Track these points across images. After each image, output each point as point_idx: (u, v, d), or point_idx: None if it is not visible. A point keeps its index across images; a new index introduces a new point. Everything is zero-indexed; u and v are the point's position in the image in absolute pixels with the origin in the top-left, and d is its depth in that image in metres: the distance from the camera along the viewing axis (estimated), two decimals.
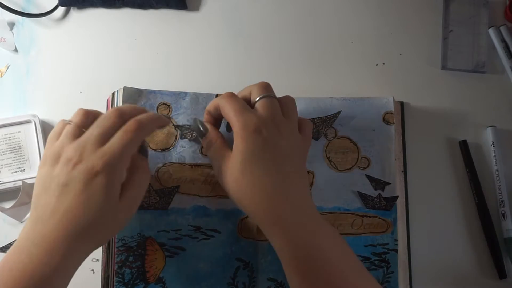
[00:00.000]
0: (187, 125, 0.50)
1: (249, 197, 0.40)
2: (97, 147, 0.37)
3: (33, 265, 0.35)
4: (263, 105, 0.42)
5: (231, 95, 0.43)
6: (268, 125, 0.41)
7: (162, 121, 0.43)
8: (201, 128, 0.45)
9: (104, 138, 0.38)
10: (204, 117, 0.47)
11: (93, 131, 0.38)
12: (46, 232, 0.36)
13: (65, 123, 0.40)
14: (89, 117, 0.40)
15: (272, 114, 0.42)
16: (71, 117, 0.40)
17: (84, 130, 0.39)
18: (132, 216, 0.40)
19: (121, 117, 0.39)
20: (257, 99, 0.43)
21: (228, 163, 0.41)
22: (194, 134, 0.49)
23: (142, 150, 0.43)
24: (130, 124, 0.39)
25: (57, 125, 0.40)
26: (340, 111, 0.51)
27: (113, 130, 0.38)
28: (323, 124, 0.51)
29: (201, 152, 0.50)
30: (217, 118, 0.46)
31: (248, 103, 0.43)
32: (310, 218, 0.40)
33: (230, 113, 0.41)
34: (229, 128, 0.48)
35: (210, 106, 0.46)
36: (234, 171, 0.41)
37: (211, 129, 0.45)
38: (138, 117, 0.40)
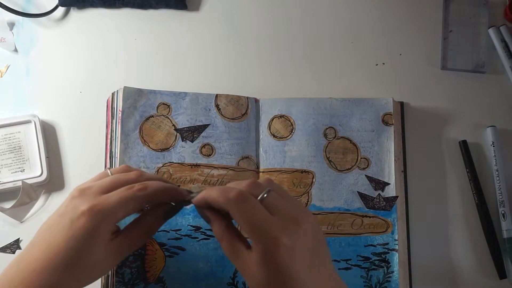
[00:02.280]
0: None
1: None
2: (99, 194, 0.38)
3: None
4: (275, 205, 0.36)
5: (242, 201, 0.35)
6: (287, 240, 0.34)
7: (174, 194, 0.40)
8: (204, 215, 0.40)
9: (110, 189, 0.38)
10: (200, 197, 0.39)
11: (107, 179, 0.39)
12: (31, 259, 0.36)
13: (105, 172, 0.41)
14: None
15: (283, 209, 0.36)
16: (114, 169, 0.41)
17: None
18: (120, 261, 0.40)
19: (138, 178, 0.39)
20: (262, 195, 0.36)
21: (248, 268, 0.35)
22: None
23: (167, 214, 0.41)
24: (137, 184, 0.38)
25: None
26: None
27: (123, 185, 0.38)
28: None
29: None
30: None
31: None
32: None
33: (249, 231, 0.35)
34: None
35: (212, 201, 0.37)
36: (257, 281, 0.35)
37: (215, 221, 0.38)
38: (150, 182, 0.39)
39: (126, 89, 0.51)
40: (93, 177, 0.41)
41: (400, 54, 0.56)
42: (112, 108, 0.51)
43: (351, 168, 0.51)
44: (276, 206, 0.35)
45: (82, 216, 0.36)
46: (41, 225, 0.39)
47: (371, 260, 0.49)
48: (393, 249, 0.49)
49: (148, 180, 0.40)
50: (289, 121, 0.52)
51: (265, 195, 0.36)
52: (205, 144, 0.51)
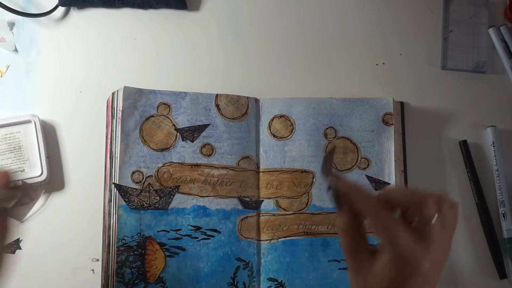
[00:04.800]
0: None
1: None
2: None
3: None
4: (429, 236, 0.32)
5: (385, 216, 0.33)
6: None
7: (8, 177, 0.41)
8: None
9: None
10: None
11: None
12: None
13: None
14: None
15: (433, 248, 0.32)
16: None
17: None
18: None
19: None
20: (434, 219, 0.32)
21: (373, 270, 0.33)
22: None
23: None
24: None
25: None
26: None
27: None
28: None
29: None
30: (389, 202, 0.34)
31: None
32: None
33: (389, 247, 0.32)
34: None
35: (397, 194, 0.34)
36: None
37: (341, 214, 0.35)
38: None
39: (126, 89, 0.51)
40: None
41: (400, 54, 0.56)
42: (112, 108, 0.51)
43: (351, 168, 0.51)
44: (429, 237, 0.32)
45: None
46: None
47: None
48: None
49: None
50: (289, 121, 0.52)
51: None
52: (205, 144, 0.51)
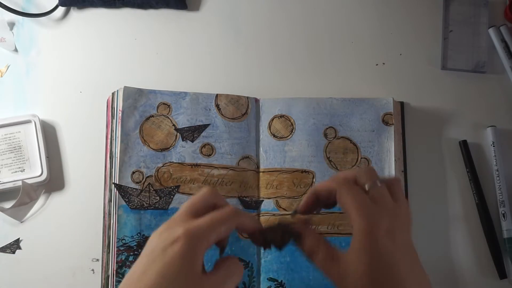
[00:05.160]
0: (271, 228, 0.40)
1: None
2: (189, 218, 0.36)
3: None
4: (380, 198, 0.38)
5: (351, 184, 0.38)
6: (392, 220, 0.37)
7: (255, 223, 0.40)
8: (293, 236, 0.39)
9: (199, 212, 0.37)
10: (306, 199, 0.40)
11: (194, 203, 0.37)
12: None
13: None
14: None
15: (390, 206, 0.38)
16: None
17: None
18: None
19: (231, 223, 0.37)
20: (369, 186, 0.38)
21: (345, 265, 0.36)
22: (285, 240, 0.40)
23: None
24: (227, 208, 0.37)
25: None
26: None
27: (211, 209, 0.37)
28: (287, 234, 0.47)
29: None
30: (316, 204, 0.41)
31: None
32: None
33: (351, 205, 0.37)
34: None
35: (321, 187, 0.40)
36: (359, 274, 0.35)
37: (308, 233, 0.39)
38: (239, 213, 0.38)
39: (126, 89, 0.51)
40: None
41: (400, 54, 0.56)
42: (112, 108, 0.51)
43: (351, 168, 0.51)
44: (378, 197, 0.37)
45: (176, 241, 0.33)
46: (126, 277, 0.36)
47: None
48: None
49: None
50: (289, 121, 0.52)
51: (371, 187, 0.38)
52: (205, 144, 0.51)
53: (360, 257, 0.35)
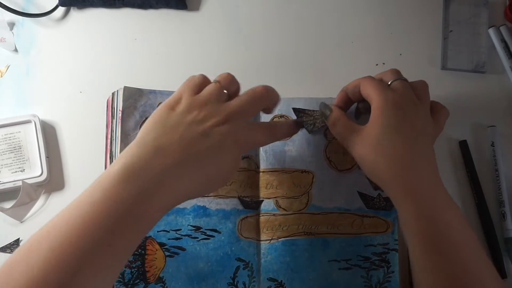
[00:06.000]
0: (308, 111, 0.51)
1: (385, 166, 0.42)
2: (245, 121, 0.41)
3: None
4: (400, 86, 0.44)
5: (371, 77, 0.46)
6: (407, 103, 0.43)
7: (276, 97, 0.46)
8: (326, 110, 0.48)
9: (249, 114, 0.42)
10: (338, 96, 0.49)
11: (238, 105, 0.41)
12: (169, 164, 0.37)
13: (210, 80, 0.42)
14: (232, 85, 0.43)
15: (408, 94, 0.44)
16: (217, 77, 0.43)
17: (225, 92, 0.41)
18: (234, 170, 0.42)
19: (263, 102, 0.44)
20: (392, 81, 0.45)
21: (363, 135, 0.44)
22: (316, 124, 0.51)
23: (298, 123, 0.48)
24: (258, 87, 0.43)
25: (198, 78, 0.42)
26: None
27: (255, 110, 0.44)
28: (322, 119, 0.50)
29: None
30: (348, 100, 0.49)
31: None
32: (441, 195, 0.42)
33: (371, 90, 0.44)
34: (357, 115, 0.51)
35: (349, 84, 0.48)
36: (373, 141, 0.43)
37: (335, 108, 0.47)
38: (280, 124, 0.47)
39: (126, 89, 0.51)
40: (192, 85, 0.42)
41: (400, 54, 0.56)
42: (112, 108, 0.51)
43: (351, 168, 0.51)
44: (399, 88, 0.44)
45: (231, 144, 0.39)
46: (151, 129, 0.39)
47: (371, 260, 0.49)
48: (394, 249, 0.49)
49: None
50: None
51: (393, 81, 0.45)
52: None
53: (374, 128, 0.43)
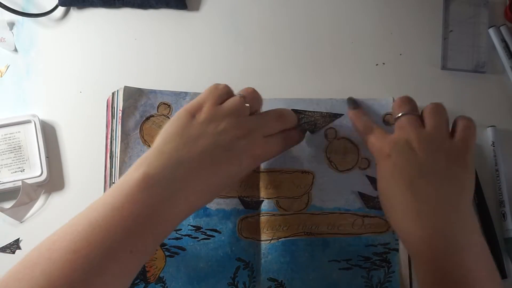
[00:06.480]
0: (309, 112, 0.52)
1: (396, 217, 0.43)
2: (262, 136, 0.42)
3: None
4: (400, 126, 0.45)
5: (374, 135, 0.47)
6: (399, 149, 0.43)
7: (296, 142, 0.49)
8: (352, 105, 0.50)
9: (267, 132, 0.43)
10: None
11: (259, 122, 0.43)
12: (188, 177, 0.38)
13: (233, 93, 0.44)
14: (256, 102, 0.45)
15: (408, 135, 0.43)
16: (242, 91, 0.44)
17: (247, 105, 0.43)
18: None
19: (283, 123, 0.45)
20: (396, 116, 0.45)
21: (378, 168, 0.46)
22: (317, 125, 0.51)
23: (303, 130, 0.50)
24: (292, 133, 0.47)
25: (222, 88, 0.43)
26: (343, 114, 0.52)
27: (274, 130, 0.44)
28: (322, 119, 0.50)
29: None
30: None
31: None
32: (464, 252, 0.39)
33: (374, 153, 0.46)
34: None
35: (355, 126, 0.50)
36: (379, 183, 0.45)
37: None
38: (292, 134, 0.47)
39: (126, 89, 0.51)
40: (215, 94, 0.43)
41: (400, 54, 0.56)
42: (112, 108, 0.51)
43: (351, 168, 0.51)
44: (401, 127, 0.44)
45: (249, 158, 0.40)
46: (173, 134, 0.40)
47: (372, 260, 0.49)
48: (394, 249, 0.49)
49: (289, 122, 0.46)
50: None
51: (401, 116, 0.45)
52: None
53: (378, 172, 0.45)
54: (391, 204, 0.43)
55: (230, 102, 0.42)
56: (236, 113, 0.41)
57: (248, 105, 0.42)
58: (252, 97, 0.44)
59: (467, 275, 0.38)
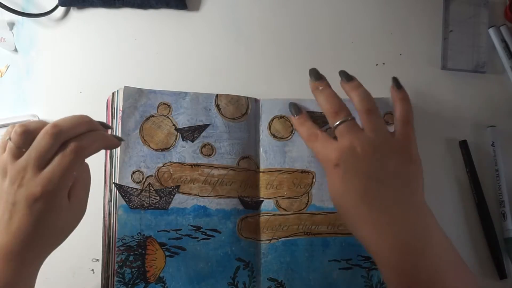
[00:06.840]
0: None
1: (356, 230, 0.42)
2: (36, 172, 0.37)
3: None
4: (340, 133, 0.44)
5: (304, 120, 0.48)
6: (346, 159, 0.42)
7: (108, 142, 0.42)
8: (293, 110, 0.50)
9: (42, 161, 0.37)
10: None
11: (31, 153, 0.37)
12: (2, 244, 0.37)
13: (5, 140, 0.38)
14: (27, 137, 0.38)
15: (351, 142, 0.43)
16: (11, 133, 0.38)
17: (24, 150, 0.38)
18: (83, 214, 0.42)
19: (58, 138, 0.38)
20: (334, 126, 0.45)
21: (328, 178, 0.44)
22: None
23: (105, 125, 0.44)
24: (69, 149, 0.38)
25: (1, 138, 0.39)
26: None
27: (50, 153, 0.38)
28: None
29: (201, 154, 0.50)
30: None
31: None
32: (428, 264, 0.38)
33: (305, 141, 0.48)
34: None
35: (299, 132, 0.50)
36: (331, 194, 0.44)
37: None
38: (79, 140, 0.39)
39: (126, 89, 0.51)
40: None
41: (400, 54, 0.56)
42: (112, 108, 0.51)
43: None
44: (342, 135, 0.44)
45: (36, 201, 0.37)
46: None
47: (372, 260, 0.49)
48: None
49: (69, 135, 0.38)
50: (290, 121, 0.52)
51: (339, 124, 0.44)
52: (206, 144, 0.51)
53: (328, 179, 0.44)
54: (347, 217, 0.42)
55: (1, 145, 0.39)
56: (8, 159, 0.37)
57: (9, 141, 0.38)
58: (14, 133, 0.37)
59: (435, 276, 0.37)
